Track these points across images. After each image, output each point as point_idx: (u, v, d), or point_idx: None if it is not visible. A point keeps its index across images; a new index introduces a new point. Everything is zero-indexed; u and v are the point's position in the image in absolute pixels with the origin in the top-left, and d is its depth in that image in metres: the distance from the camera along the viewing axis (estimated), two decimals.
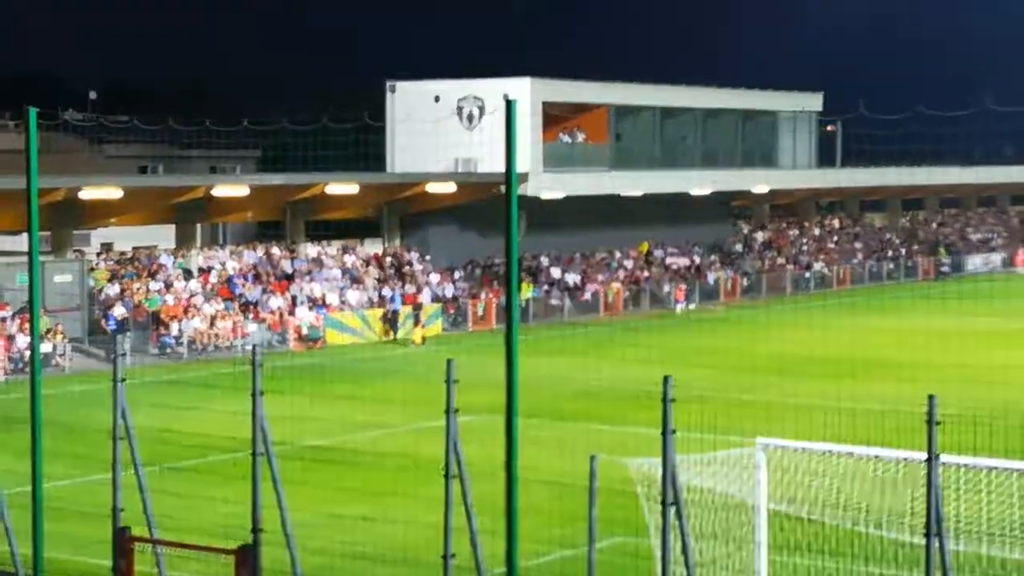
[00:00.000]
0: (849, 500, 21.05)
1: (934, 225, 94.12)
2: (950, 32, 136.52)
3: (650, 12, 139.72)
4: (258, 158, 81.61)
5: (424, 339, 54.83)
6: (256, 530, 17.65)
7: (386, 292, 58.46)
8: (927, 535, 15.21)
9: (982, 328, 51.72)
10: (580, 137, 68.31)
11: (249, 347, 30.27)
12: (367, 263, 61.04)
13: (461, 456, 16.65)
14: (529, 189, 61.15)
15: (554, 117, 65.79)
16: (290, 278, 57.33)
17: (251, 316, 53.81)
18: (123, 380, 18.31)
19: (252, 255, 58.11)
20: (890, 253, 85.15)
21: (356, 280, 58.92)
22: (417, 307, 57.60)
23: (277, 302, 54.94)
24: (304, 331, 53.92)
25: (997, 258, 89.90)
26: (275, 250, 59.07)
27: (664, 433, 15.69)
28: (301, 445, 31.49)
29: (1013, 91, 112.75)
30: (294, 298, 55.70)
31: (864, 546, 21.58)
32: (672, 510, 16.01)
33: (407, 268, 61.54)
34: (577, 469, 20.02)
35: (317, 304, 55.85)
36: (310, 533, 22.44)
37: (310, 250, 60.13)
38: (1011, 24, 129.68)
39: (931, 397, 14.77)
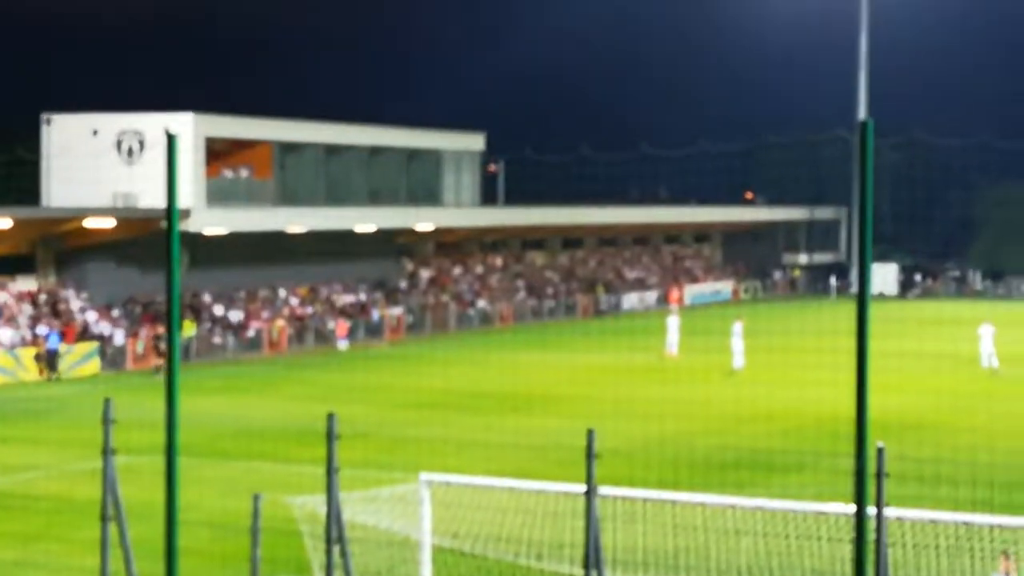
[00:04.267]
0: (511, 533, 21.37)
1: (592, 264, 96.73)
2: (608, 77, 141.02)
3: (316, 50, 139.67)
4: None
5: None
6: None
7: (42, 330, 56.47)
8: (586, 565, 15.59)
9: (638, 364, 53.41)
10: (244, 173, 67.55)
11: None
12: (20, 300, 58.86)
13: (119, 498, 16.22)
14: (191, 225, 60.05)
15: (217, 152, 64.88)
16: None
17: None
18: None
19: None
20: (551, 291, 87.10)
21: (8, 318, 56.73)
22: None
23: None
24: None
25: (652, 296, 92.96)
26: None
27: (329, 471, 15.66)
28: None
29: (668, 136, 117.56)
30: None
31: None
32: (336, 548, 15.99)
33: (63, 305, 59.59)
34: (240, 508, 19.75)
35: None
36: None
37: None
38: (669, 71, 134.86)
39: (590, 431, 15.11)
